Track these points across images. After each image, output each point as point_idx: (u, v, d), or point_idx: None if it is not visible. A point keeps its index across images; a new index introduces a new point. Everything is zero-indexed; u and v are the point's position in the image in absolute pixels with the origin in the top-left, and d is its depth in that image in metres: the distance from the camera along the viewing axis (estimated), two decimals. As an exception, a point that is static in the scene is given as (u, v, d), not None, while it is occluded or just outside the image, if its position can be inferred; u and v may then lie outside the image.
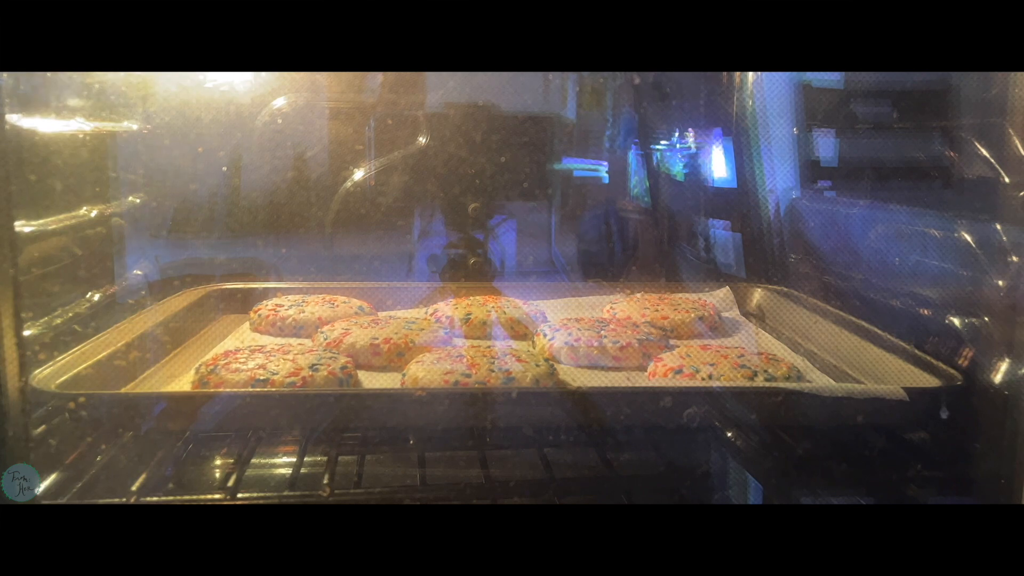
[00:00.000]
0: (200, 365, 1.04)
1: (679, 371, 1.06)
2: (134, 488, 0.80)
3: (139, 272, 1.35)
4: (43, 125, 1.09)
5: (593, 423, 0.94)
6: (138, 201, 1.37)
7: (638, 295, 1.44)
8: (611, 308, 1.41)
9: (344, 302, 1.39)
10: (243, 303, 1.41)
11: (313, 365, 1.02)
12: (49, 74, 1.08)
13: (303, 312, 1.32)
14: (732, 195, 1.53)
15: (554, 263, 1.67)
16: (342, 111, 1.53)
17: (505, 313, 1.33)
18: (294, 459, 0.89)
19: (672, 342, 1.25)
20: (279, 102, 1.46)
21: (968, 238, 0.96)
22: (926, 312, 1.06)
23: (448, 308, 1.35)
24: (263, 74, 1.42)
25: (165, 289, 1.37)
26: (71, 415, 0.89)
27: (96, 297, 1.22)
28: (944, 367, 0.98)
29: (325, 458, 0.88)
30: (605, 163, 1.70)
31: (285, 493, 0.83)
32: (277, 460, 0.99)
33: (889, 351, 1.09)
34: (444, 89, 1.52)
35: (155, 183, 1.38)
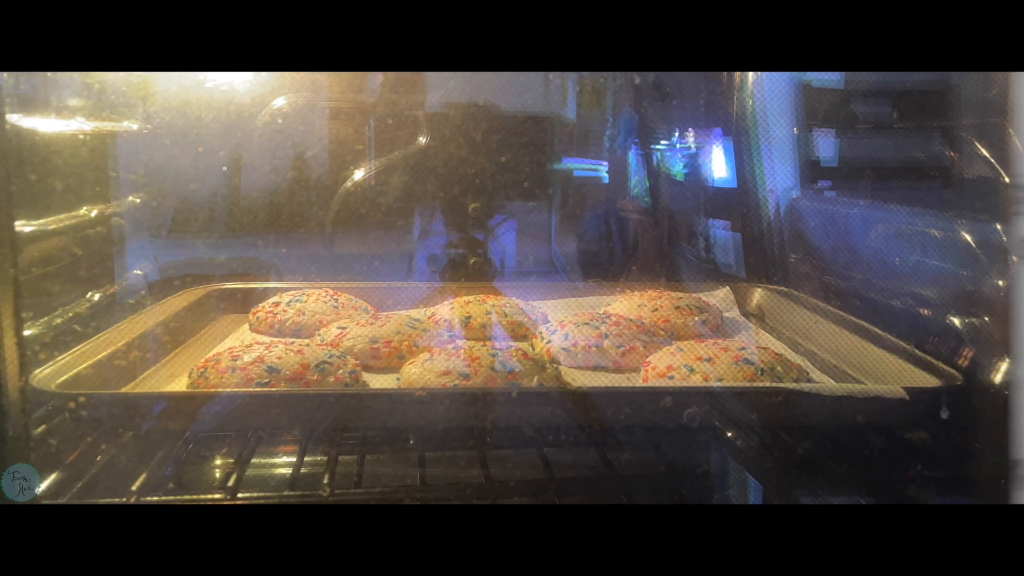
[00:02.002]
0: (207, 359, 1.04)
1: (670, 377, 1.06)
2: (134, 488, 0.80)
3: (139, 272, 1.35)
4: (43, 125, 1.09)
5: (593, 423, 0.94)
6: (138, 201, 1.37)
7: (637, 295, 1.44)
8: (608, 310, 1.41)
9: (349, 300, 1.38)
10: (243, 303, 1.41)
11: (319, 365, 1.01)
12: (49, 74, 1.08)
13: (303, 314, 1.32)
14: (732, 195, 1.53)
15: (554, 263, 1.67)
16: (342, 111, 1.53)
17: (505, 315, 1.33)
18: (294, 459, 0.89)
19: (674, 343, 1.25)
20: (279, 102, 1.46)
21: (968, 238, 0.96)
22: (926, 312, 1.06)
23: (448, 310, 1.35)
24: (263, 74, 1.42)
25: (165, 289, 1.37)
26: (71, 415, 0.89)
27: (96, 297, 1.22)
28: (944, 367, 0.98)
29: (325, 458, 0.88)
30: (605, 163, 1.70)
31: (285, 493, 0.83)
32: (277, 460, 0.99)
33: (889, 351, 1.09)
34: (444, 89, 1.52)
35: (155, 183, 1.38)
